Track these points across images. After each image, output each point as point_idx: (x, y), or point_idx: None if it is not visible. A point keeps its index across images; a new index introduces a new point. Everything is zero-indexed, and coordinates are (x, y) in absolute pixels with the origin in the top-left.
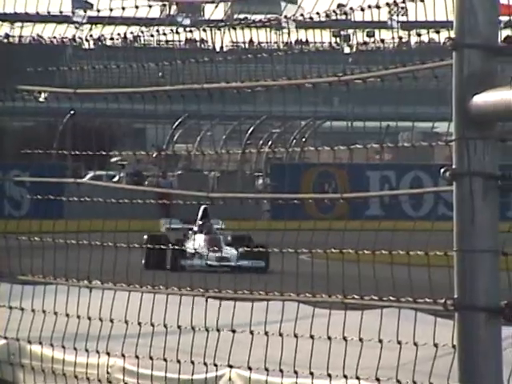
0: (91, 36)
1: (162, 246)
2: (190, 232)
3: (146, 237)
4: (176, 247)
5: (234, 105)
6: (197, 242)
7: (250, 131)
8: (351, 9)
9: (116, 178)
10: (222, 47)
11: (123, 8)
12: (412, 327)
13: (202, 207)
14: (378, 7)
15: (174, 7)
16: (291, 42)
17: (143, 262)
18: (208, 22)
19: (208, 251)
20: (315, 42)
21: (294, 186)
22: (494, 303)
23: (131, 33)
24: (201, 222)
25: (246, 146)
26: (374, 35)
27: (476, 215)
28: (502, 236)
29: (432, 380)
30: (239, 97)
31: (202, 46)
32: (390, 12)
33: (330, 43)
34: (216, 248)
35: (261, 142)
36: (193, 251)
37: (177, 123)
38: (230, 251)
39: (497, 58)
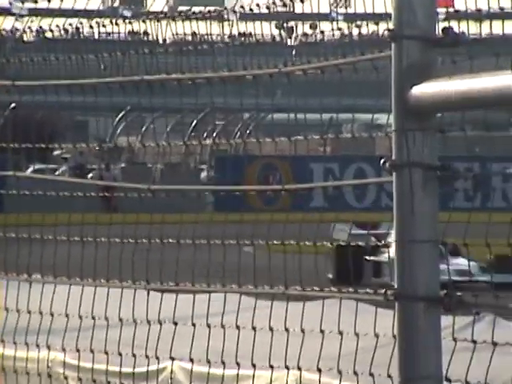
0: (29, 28)
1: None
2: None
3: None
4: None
5: (176, 97)
6: None
7: (193, 124)
8: (291, 0)
9: (58, 172)
10: (164, 40)
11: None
12: (353, 318)
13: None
14: None
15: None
16: (234, 35)
17: (330, 276)
18: (149, 13)
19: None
20: (258, 35)
21: (239, 179)
22: (433, 293)
23: (70, 24)
24: None
25: (189, 138)
26: (316, 27)
27: (416, 206)
28: (443, 226)
29: (373, 370)
30: (180, 89)
31: (145, 38)
32: (332, 4)
33: (273, 35)
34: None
35: (205, 134)
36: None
37: (119, 116)
38: (464, 262)
39: (435, 50)
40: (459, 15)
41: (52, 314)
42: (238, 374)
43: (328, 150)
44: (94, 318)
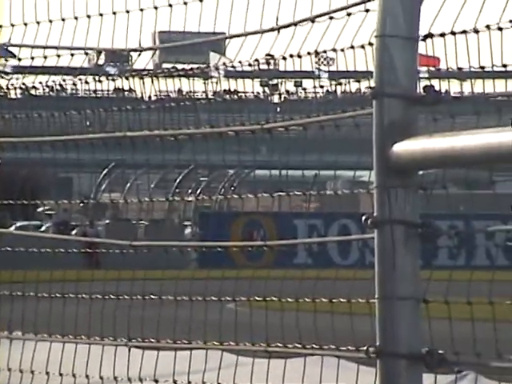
0: (12, 85)
1: None
2: None
3: None
4: None
5: (158, 154)
6: None
7: (177, 181)
8: (273, 58)
9: (43, 228)
10: (149, 97)
11: (45, 57)
12: (335, 375)
13: None
14: (299, 56)
15: (101, 56)
16: (219, 92)
17: None
18: (134, 70)
19: None
20: (240, 92)
21: (223, 235)
22: (415, 350)
23: (53, 81)
24: None
25: (173, 195)
26: (301, 85)
27: (397, 263)
28: (426, 283)
29: None
30: (163, 146)
31: (130, 95)
32: (317, 62)
33: (257, 92)
34: None
35: (189, 191)
36: None
37: (104, 173)
38: None
39: (416, 108)
40: (441, 74)
41: (32, 372)
42: None
43: (312, 206)
44: (74, 375)
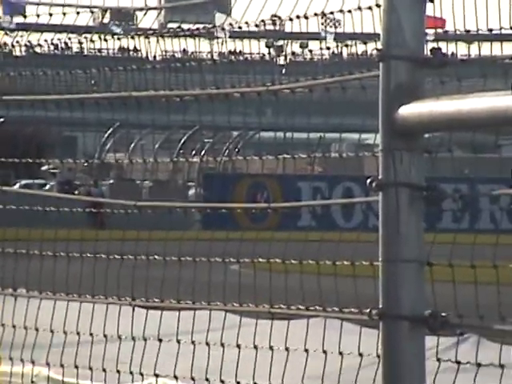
0: (18, 42)
1: None
2: None
3: None
4: None
5: (164, 114)
6: None
7: (182, 141)
8: (280, 18)
9: (47, 187)
10: (154, 56)
11: (50, 14)
12: (338, 337)
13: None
14: (306, 17)
15: (106, 14)
16: (224, 52)
17: None
18: (139, 30)
19: None
20: (247, 53)
21: (227, 197)
22: (418, 313)
23: (59, 39)
24: None
25: (177, 155)
26: (307, 46)
27: (401, 226)
28: (430, 246)
29: None
30: (168, 106)
31: (135, 54)
32: (322, 23)
33: (262, 54)
34: None
35: (193, 152)
36: None
37: (108, 132)
38: None
39: (423, 70)
40: (448, 36)
41: (37, 329)
42: None
43: (316, 169)
44: (78, 333)
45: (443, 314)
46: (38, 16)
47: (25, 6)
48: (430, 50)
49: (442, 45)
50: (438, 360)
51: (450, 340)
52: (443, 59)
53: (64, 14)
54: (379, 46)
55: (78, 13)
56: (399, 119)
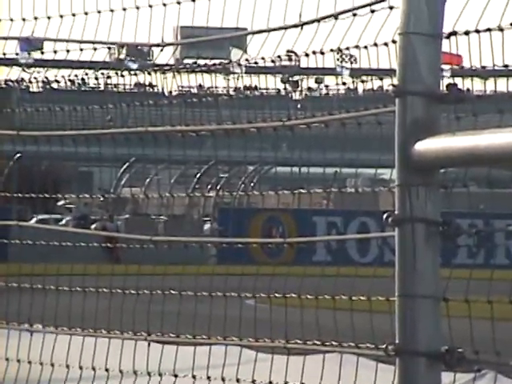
0: (35, 78)
1: None
2: None
3: None
4: None
5: (180, 149)
6: None
7: (198, 176)
8: (296, 54)
9: (63, 222)
10: (170, 92)
11: (68, 50)
12: (354, 372)
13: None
14: (322, 53)
15: (122, 51)
16: (240, 88)
17: None
18: (155, 65)
19: None
20: (263, 88)
21: (242, 231)
22: (434, 349)
23: (75, 75)
24: None
25: (193, 190)
26: (322, 81)
27: (418, 261)
28: (445, 282)
29: None
30: (184, 141)
31: (151, 89)
32: (337, 59)
33: (278, 89)
34: None
35: (208, 186)
36: None
37: (124, 167)
38: None
39: (439, 106)
40: (464, 72)
41: (52, 365)
42: None
43: (331, 204)
44: (94, 368)
45: (460, 350)
46: (55, 52)
47: (42, 42)
48: (446, 86)
49: (458, 81)
50: None
51: (467, 376)
52: (459, 95)
53: (81, 49)
54: (395, 81)
55: (94, 49)
56: (415, 154)
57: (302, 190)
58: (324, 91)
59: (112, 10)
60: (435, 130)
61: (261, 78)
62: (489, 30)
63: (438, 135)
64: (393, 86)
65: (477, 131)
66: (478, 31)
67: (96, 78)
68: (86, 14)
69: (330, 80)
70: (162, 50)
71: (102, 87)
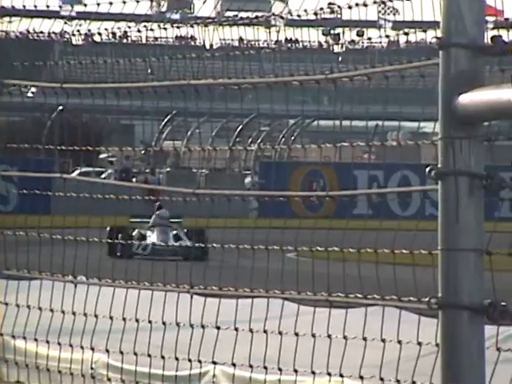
0: (78, 31)
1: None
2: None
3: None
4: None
5: (222, 102)
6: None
7: (238, 129)
8: (339, 7)
9: (104, 175)
10: (211, 45)
11: (110, 3)
12: (396, 326)
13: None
14: (365, 5)
15: (164, 3)
16: (281, 41)
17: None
18: (197, 18)
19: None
20: (304, 41)
21: (283, 185)
22: (477, 302)
23: (118, 28)
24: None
25: (234, 143)
26: (363, 34)
27: (461, 214)
28: (488, 236)
29: (415, 378)
30: (226, 94)
31: (192, 43)
32: (379, 12)
33: (320, 42)
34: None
35: (249, 140)
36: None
37: (165, 120)
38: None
39: (483, 58)
40: (508, 24)
41: (96, 316)
42: (279, 380)
43: (373, 157)
44: (137, 320)
45: (503, 304)
46: (98, 5)
47: None
48: (491, 38)
49: (502, 33)
50: (498, 350)
51: (510, 329)
52: (504, 47)
53: (124, 2)
54: (439, 33)
55: (137, 1)
56: (459, 107)
57: (343, 144)
58: (365, 44)
59: None
60: (479, 83)
61: (303, 31)
62: None
63: (482, 88)
64: (436, 38)
65: None
66: None
67: (138, 31)
68: None
69: (372, 32)
70: (204, 3)
71: (143, 40)
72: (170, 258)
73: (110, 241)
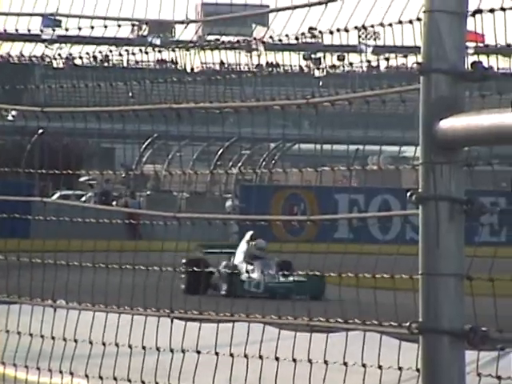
0: (59, 55)
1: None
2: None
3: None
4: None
5: (203, 126)
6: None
7: (219, 152)
8: (320, 32)
9: (84, 198)
10: (192, 68)
11: (92, 27)
12: (377, 350)
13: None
14: (346, 30)
15: (145, 27)
16: (262, 65)
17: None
18: (178, 42)
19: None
20: (285, 65)
21: (264, 208)
22: (458, 327)
23: (100, 52)
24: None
25: (215, 167)
26: (344, 59)
27: (441, 239)
28: (469, 260)
29: None
30: (208, 118)
31: (173, 66)
32: (360, 36)
33: (301, 66)
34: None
35: (230, 163)
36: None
37: (146, 144)
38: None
39: (464, 84)
40: (488, 50)
41: (76, 340)
42: None
43: (354, 181)
44: (117, 345)
45: (483, 329)
46: (79, 29)
47: (66, 19)
48: (471, 64)
49: (483, 59)
50: (479, 375)
51: (490, 354)
52: (484, 72)
53: (105, 26)
54: (420, 59)
55: (119, 26)
56: (439, 133)
57: (324, 168)
58: (346, 69)
59: None
60: (460, 108)
61: (284, 56)
62: None
63: (463, 113)
64: (417, 63)
65: (501, 109)
66: (503, 9)
67: (120, 55)
68: None
69: (352, 57)
70: (185, 27)
71: (125, 64)
72: (285, 296)
73: (90, 265)
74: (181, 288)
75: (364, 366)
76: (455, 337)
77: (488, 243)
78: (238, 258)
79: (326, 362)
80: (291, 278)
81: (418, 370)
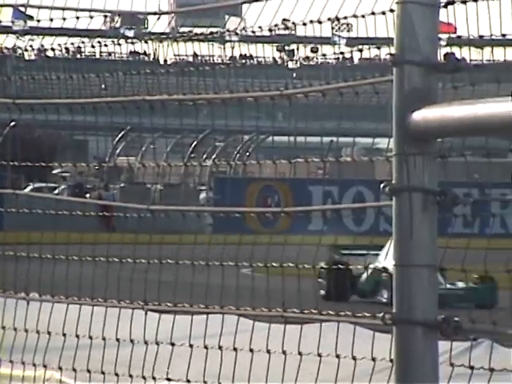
0: (31, 46)
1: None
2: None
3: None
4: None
5: (176, 118)
6: None
7: (193, 145)
8: (293, 23)
9: (57, 190)
10: (165, 60)
11: (64, 18)
12: (351, 341)
13: None
14: (319, 22)
15: (117, 19)
16: (235, 56)
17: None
18: (151, 34)
19: None
20: (259, 57)
21: (238, 200)
22: (431, 318)
23: (72, 44)
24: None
25: (189, 159)
26: (317, 51)
27: (414, 230)
28: (442, 251)
29: None
30: (181, 110)
31: (146, 58)
32: (333, 28)
33: (274, 58)
34: None
35: (204, 155)
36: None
37: (119, 136)
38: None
39: (436, 75)
40: (461, 41)
41: (49, 333)
42: None
43: (327, 173)
44: (91, 337)
45: (456, 319)
46: (51, 20)
47: (38, 10)
48: (444, 55)
49: (455, 50)
50: (452, 365)
51: (463, 345)
52: (457, 64)
53: (77, 18)
54: (393, 50)
55: (91, 17)
56: (413, 124)
57: (298, 159)
58: (320, 60)
59: None
60: (432, 100)
61: (257, 47)
62: None
63: (436, 105)
64: (390, 55)
65: (474, 101)
66: (475, 0)
67: (92, 46)
68: None
69: (326, 49)
70: (158, 19)
71: (97, 55)
72: (458, 305)
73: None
74: (319, 294)
75: (338, 356)
76: (428, 327)
77: (461, 234)
78: (388, 259)
79: (300, 353)
80: (460, 285)
81: (391, 361)
